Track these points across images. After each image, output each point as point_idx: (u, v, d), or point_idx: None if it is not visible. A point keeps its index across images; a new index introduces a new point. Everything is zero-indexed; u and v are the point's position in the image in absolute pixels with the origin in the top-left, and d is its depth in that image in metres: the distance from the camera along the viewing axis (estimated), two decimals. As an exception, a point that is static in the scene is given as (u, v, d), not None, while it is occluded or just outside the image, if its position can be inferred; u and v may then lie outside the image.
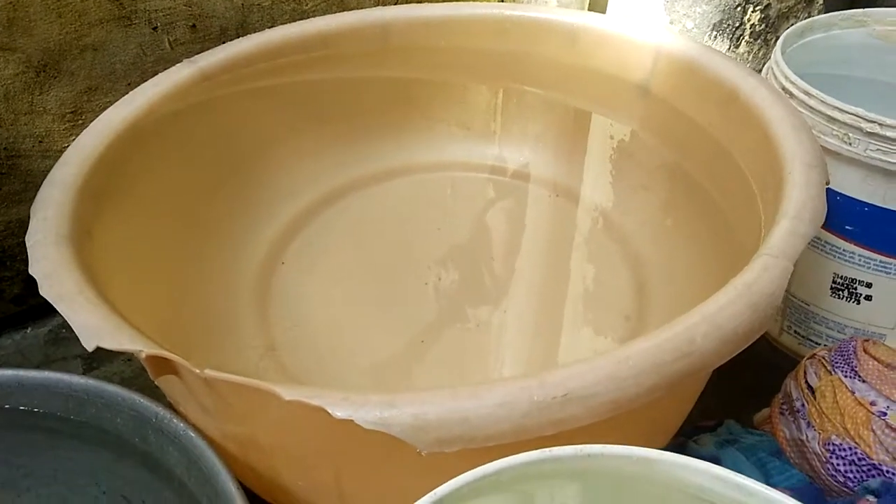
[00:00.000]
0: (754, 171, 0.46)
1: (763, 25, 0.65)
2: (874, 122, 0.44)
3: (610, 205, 0.60)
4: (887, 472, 0.39)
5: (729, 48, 0.65)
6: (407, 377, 0.50)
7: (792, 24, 0.71)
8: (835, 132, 0.46)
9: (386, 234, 0.59)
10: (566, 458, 0.26)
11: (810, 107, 0.47)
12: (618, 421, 0.29)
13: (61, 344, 0.61)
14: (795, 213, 0.36)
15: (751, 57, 0.67)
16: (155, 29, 0.57)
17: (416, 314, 0.53)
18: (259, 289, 0.53)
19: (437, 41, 0.62)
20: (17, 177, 0.56)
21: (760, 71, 0.70)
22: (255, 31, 0.60)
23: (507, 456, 0.26)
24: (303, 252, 0.57)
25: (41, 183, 0.58)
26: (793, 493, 0.33)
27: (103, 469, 0.39)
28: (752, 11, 0.64)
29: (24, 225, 0.58)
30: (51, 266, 0.35)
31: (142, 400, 0.38)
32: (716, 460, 0.42)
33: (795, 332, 0.56)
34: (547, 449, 0.26)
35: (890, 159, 0.44)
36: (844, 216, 0.48)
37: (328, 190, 0.60)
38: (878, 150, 0.44)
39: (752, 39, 0.66)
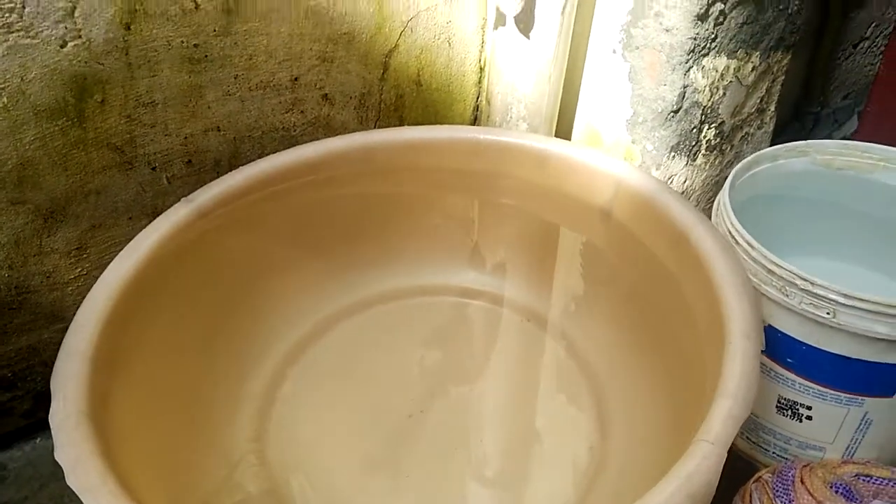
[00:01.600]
0: (701, 315, 0.51)
1: (718, 139, 0.71)
2: (807, 280, 0.49)
3: (574, 327, 0.65)
4: None
5: (686, 163, 0.70)
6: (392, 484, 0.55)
7: (746, 133, 0.76)
8: (774, 283, 0.51)
9: (370, 362, 0.64)
10: None
11: (752, 257, 0.52)
12: None
13: (69, 458, 0.65)
14: (733, 391, 0.41)
15: (707, 166, 0.72)
16: (154, 169, 0.60)
17: (398, 442, 0.58)
18: (255, 426, 0.57)
19: (417, 160, 0.67)
20: (27, 310, 0.60)
21: (718, 179, 0.75)
22: (246, 161, 0.63)
23: None
24: (295, 387, 0.61)
25: (48, 313, 0.62)
26: None
27: None
28: (708, 129, 0.69)
29: (33, 350, 0.63)
30: (75, 454, 0.39)
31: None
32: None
33: (747, 437, 0.61)
34: None
35: (820, 312, 0.49)
36: (785, 350, 0.53)
37: (318, 319, 0.65)
38: (810, 304, 0.49)
39: (707, 152, 0.71)
